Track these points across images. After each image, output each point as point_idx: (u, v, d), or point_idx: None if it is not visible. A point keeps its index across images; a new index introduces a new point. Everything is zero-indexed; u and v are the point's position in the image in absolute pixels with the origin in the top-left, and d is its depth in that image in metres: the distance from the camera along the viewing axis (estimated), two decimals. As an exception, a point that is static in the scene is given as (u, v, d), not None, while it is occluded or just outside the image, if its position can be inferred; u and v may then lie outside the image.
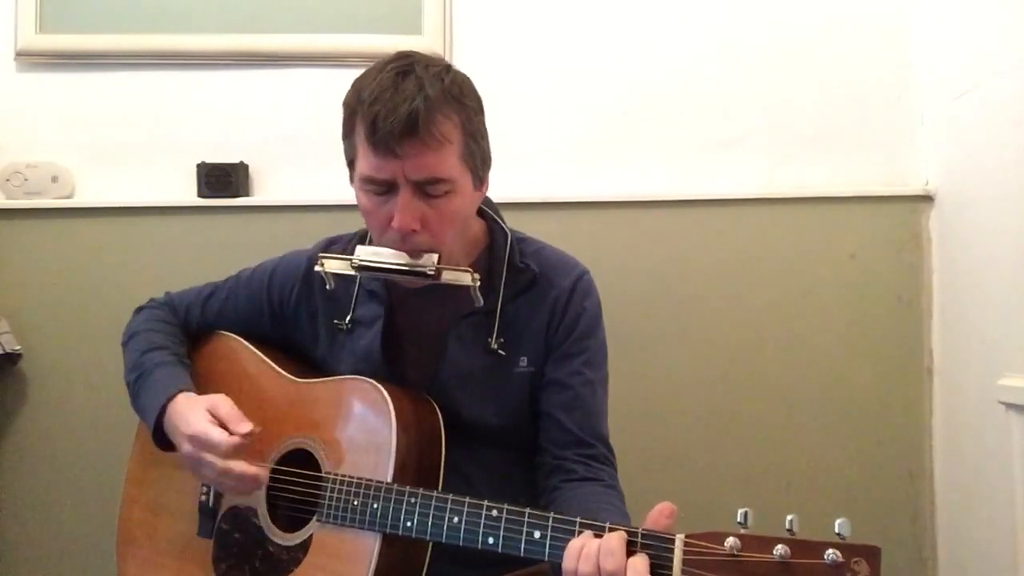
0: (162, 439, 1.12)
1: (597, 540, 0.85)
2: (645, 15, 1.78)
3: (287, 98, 1.75)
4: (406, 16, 1.75)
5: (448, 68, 1.06)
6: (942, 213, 1.72)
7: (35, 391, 1.70)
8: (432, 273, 1.03)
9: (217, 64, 1.76)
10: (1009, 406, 1.42)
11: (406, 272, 1.05)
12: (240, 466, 1.04)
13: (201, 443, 1.04)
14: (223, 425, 1.05)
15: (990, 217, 1.53)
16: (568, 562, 0.86)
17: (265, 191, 1.76)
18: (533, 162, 1.76)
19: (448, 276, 1.04)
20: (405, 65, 1.02)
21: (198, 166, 1.72)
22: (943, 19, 1.69)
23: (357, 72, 1.07)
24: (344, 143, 1.07)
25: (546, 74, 1.78)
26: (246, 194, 1.74)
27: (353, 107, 1.03)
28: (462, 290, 1.06)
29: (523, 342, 1.14)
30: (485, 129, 1.10)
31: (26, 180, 1.71)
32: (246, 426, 1.05)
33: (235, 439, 1.03)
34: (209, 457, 1.04)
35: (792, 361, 1.74)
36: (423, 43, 1.74)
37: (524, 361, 1.14)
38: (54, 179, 1.72)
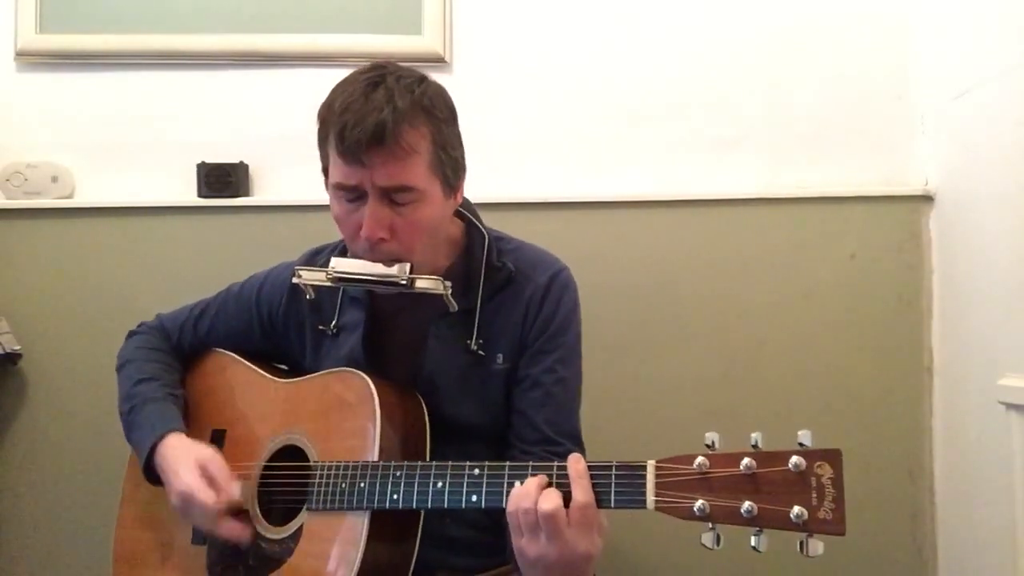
0: (153, 475, 1.14)
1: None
2: (645, 16, 1.78)
3: (287, 98, 1.76)
4: (406, 16, 1.76)
5: (421, 79, 1.06)
6: (942, 213, 1.72)
7: (35, 391, 1.70)
8: (405, 282, 1.05)
9: (217, 64, 1.76)
10: (1009, 406, 1.42)
11: (380, 282, 1.07)
12: (226, 529, 1.06)
13: (189, 501, 1.06)
14: (212, 481, 1.07)
15: (990, 217, 1.52)
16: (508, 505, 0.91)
17: (265, 191, 1.76)
18: (532, 162, 1.77)
19: (421, 284, 1.06)
20: (376, 76, 1.03)
21: (198, 166, 1.72)
22: (943, 19, 1.69)
23: (357, 72, 1.07)
24: (320, 151, 1.08)
25: (545, 74, 1.78)
26: (246, 194, 1.74)
27: (324, 117, 1.04)
28: (439, 295, 1.07)
29: (500, 339, 1.15)
30: (457, 139, 1.10)
31: (26, 180, 1.71)
32: (235, 489, 1.06)
33: (222, 504, 1.05)
34: (197, 516, 1.07)
35: (792, 361, 1.74)
36: (423, 43, 1.74)
37: (500, 358, 1.15)
38: (54, 179, 1.72)
